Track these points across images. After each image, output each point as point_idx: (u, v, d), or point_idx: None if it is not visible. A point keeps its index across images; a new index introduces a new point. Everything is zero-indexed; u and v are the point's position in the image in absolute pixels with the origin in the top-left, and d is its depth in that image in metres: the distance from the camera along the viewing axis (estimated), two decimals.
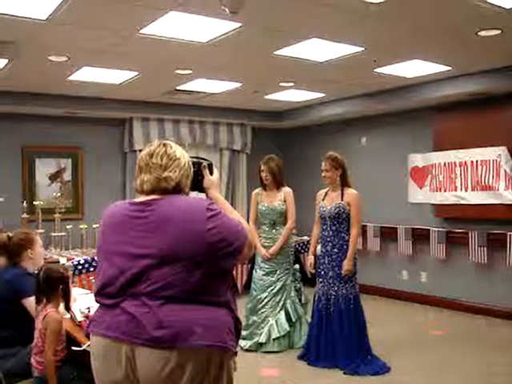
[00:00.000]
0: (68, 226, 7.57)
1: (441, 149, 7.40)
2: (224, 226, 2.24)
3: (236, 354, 2.32)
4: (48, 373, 3.19)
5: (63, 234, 7.53)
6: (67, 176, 8.15)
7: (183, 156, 2.42)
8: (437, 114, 7.49)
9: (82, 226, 7.62)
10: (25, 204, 7.47)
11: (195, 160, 2.57)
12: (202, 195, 2.60)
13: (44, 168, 7.93)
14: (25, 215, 7.37)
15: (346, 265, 5.11)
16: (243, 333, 5.77)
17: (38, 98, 7.30)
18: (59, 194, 7.90)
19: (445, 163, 7.32)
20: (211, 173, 2.61)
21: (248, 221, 6.03)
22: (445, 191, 7.34)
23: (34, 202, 7.54)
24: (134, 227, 2.25)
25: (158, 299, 2.13)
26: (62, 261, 6.93)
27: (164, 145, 2.41)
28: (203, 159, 2.65)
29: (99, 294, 2.30)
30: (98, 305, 2.31)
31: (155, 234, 2.20)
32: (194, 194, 2.61)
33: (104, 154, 8.35)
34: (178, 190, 2.35)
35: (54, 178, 8.02)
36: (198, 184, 2.56)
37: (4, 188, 7.36)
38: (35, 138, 7.77)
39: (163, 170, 2.33)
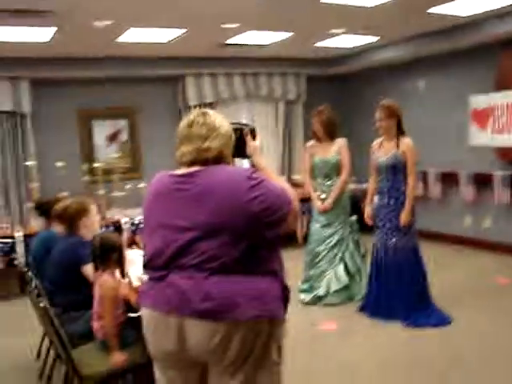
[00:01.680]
0: (127, 186, 7.69)
1: (504, 88, 7.05)
2: (267, 194, 2.21)
3: (285, 321, 2.32)
4: (109, 337, 3.30)
5: (123, 193, 7.66)
6: (124, 136, 8.25)
7: (223, 124, 2.37)
8: (500, 51, 7.09)
9: (141, 185, 7.74)
10: (85, 167, 7.63)
11: (237, 126, 2.53)
12: (246, 161, 2.58)
13: (101, 130, 8.03)
14: (86, 178, 7.54)
15: (404, 216, 4.99)
16: (303, 286, 5.81)
17: (90, 62, 7.37)
18: (118, 155, 8.03)
19: (508, 103, 6.99)
20: (254, 138, 2.57)
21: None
22: (508, 133, 7.03)
23: (94, 164, 7.67)
24: (178, 200, 2.25)
25: (203, 271, 2.14)
26: (124, 220, 7.12)
27: (203, 114, 2.37)
28: (245, 125, 2.60)
29: (147, 266, 2.33)
30: None
31: (198, 206, 2.19)
32: (237, 161, 2.59)
33: (159, 113, 8.37)
34: (219, 159, 2.31)
35: (111, 139, 8.13)
36: (240, 151, 2.52)
37: (63, 153, 7.55)
38: (90, 101, 7.84)
39: (203, 141, 2.30)
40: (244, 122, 2.73)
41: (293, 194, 2.35)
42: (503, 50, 7.08)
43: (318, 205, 5.77)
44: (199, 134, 2.30)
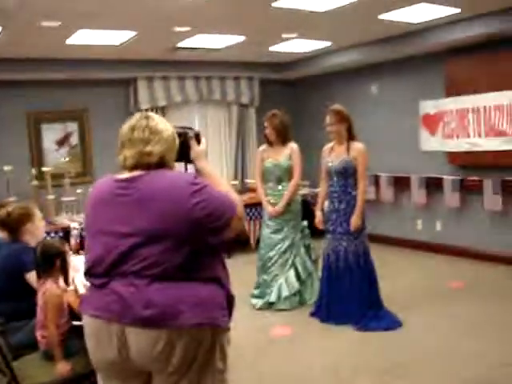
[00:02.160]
0: (78, 191, 7.54)
1: (453, 95, 7.18)
2: (210, 200, 2.18)
3: (229, 329, 2.28)
4: (53, 347, 3.20)
5: (73, 198, 7.51)
6: (75, 140, 8.09)
7: (166, 128, 2.33)
8: (448, 58, 7.23)
9: (91, 190, 7.59)
10: (34, 171, 7.45)
11: (181, 131, 2.49)
12: (191, 166, 2.53)
13: (50, 133, 7.86)
14: (35, 182, 7.36)
15: (354, 221, 5.02)
16: (255, 291, 5.77)
17: (39, 64, 7.20)
18: (68, 159, 7.87)
19: (457, 109, 7.12)
20: (198, 142, 2.53)
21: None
22: (457, 138, 7.16)
23: (43, 169, 7.50)
24: (120, 205, 2.21)
25: (145, 278, 2.10)
26: (73, 225, 6.95)
27: (146, 117, 2.33)
28: (189, 129, 2.57)
29: (88, 273, 2.28)
30: None
31: (140, 211, 2.15)
32: (181, 165, 2.55)
33: (110, 116, 8.20)
34: (161, 164, 2.28)
35: (61, 142, 7.96)
36: (185, 155, 2.49)
37: (11, 157, 7.34)
38: (40, 103, 7.67)
39: (145, 145, 2.26)
40: (189, 125, 2.67)
41: (237, 198, 2.32)
42: (449, 58, 7.22)
43: (268, 209, 5.74)
44: (141, 138, 2.27)
